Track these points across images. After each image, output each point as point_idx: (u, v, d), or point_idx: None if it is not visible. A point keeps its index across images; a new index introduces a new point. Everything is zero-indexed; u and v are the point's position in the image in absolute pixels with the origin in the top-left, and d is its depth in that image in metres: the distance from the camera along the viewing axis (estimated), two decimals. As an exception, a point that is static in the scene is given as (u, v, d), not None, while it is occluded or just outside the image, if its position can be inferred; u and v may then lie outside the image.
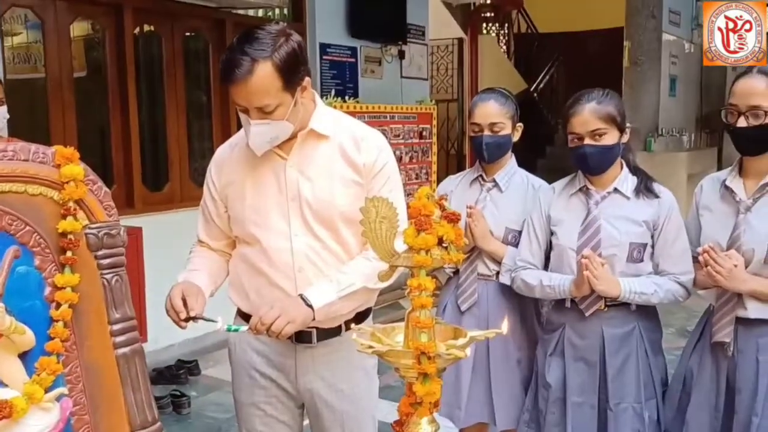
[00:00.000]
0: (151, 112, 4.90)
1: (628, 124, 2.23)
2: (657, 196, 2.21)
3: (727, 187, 2.10)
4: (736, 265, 1.98)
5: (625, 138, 2.23)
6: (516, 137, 2.51)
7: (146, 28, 4.86)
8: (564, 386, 2.26)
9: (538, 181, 2.52)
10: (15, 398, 1.27)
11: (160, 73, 4.87)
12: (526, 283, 2.30)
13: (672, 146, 8.46)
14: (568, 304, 2.25)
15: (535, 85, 10.83)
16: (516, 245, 2.42)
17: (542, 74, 10.99)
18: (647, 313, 2.25)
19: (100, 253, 1.40)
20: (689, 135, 9.00)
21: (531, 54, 11.35)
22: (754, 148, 2.04)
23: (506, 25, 11.38)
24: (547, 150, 9.85)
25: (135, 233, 3.81)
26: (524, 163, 2.62)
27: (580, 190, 2.26)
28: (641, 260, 2.19)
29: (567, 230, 2.25)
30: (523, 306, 2.49)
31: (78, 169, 1.37)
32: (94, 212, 1.41)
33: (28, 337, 1.31)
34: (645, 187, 2.23)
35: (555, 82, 11.19)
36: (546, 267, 2.34)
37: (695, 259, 2.13)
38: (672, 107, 8.99)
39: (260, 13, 5.68)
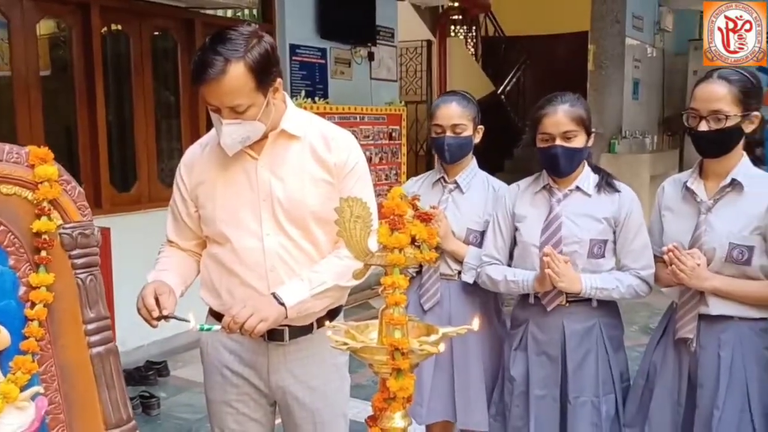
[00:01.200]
0: (118, 111, 4.86)
1: (593, 129, 2.29)
2: (617, 191, 2.28)
3: (688, 189, 2.17)
4: (698, 264, 2.05)
5: (591, 142, 2.29)
6: (477, 139, 2.56)
7: (114, 27, 4.82)
8: (527, 380, 2.32)
9: (498, 183, 2.57)
10: (-11, 397, 1.27)
11: (128, 73, 4.83)
12: (490, 278, 2.35)
13: (635, 148, 8.63)
14: (531, 300, 2.31)
15: (502, 88, 10.94)
16: (477, 245, 2.47)
17: (509, 77, 11.12)
18: (608, 309, 2.31)
19: (74, 252, 1.40)
20: (652, 137, 9.19)
21: (498, 57, 11.47)
22: (715, 150, 2.10)
23: (474, 27, 11.48)
24: (514, 152, 9.97)
25: (103, 234, 3.77)
26: (491, 164, 2.66)
27: (544, 188, 2.32)
28: (602, 256, 2.25)
29: (530, 227, 2.30)
30: (484, 303, 2.54)
31: (52, 169, 1.37)
32: (68, 212, 1.42)
33: (2, 337, 1.31)
34: (606, 183, 2.29)
35: (522, 85, 11.33)
36: (510, 263, 2.39)
37: (660, 259, 2.19)
38: (635, 110, 9.18)
39: (229, 13, 5.66)
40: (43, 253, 1.35)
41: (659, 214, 2.26)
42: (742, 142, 2.10)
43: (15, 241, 1.34)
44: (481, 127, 2.56)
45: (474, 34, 11.54)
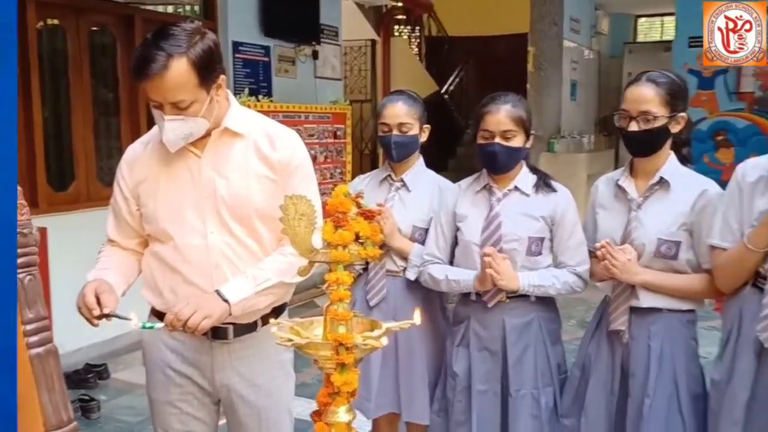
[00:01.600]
0: (55, 108, 4.74)
1: (532, 131, 2.36)
2: (554, 191, 2.36)
3: (619, 187, 2.25)
4: (629, 259, 2.13)
5: (529, 143, 2.36)
6: (423, 138, 2.60)
7: (50, 21, 4.69)
8: (469, 375, 2.37)
9: (444, 182, 2.62)
10: (-76, 400, 1.24)
11: (65, 69, 4.71)
12: (432, 277, 2.40)
13: (573, 148, 8.83)
14: (473, 297, 2.36)
15: (445, 87, 11.06)
16: (422, 243, 2.51)
17: (452, 76, 11.24)
18: (546, 304, 2.38)
19: (12, 252, 1.38)
20: (589, 137, 9.41)
21: (442, 56, 11.58)
22: (644, 150, 2.19)
23: (418, 27, 11.56)
24: (458, 150, 10.09)
25: (39, 234, 3.68)
26: (435, 163, 2.70)
27: (484, 187, 2.38)
28: (540, 253, 2.32)
29: (471, 226, 2.35)
30: (429, 300, 2.58)
31: (-11, 166, 1.35)
32: (6, 211, 1.39)
33: (-63, 338, 1.28)
34: (543, 183, 2.37)
35: (465, 85, 11.46)
36: (452, 261, 2.44)
37: (593, 254, 2.28)
38: (573, 111, 9.41)
39: (170, 9, 5.58)
40: (-20, 253, 1.33)
41: (593, 211, 2.35)
42: (669, 142, 2.20)
43: (-50, 240, 1.31)
44: (427, 126, 2.61)
45: (418, 34, 11.63)
